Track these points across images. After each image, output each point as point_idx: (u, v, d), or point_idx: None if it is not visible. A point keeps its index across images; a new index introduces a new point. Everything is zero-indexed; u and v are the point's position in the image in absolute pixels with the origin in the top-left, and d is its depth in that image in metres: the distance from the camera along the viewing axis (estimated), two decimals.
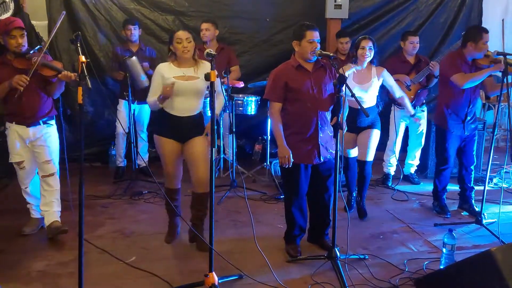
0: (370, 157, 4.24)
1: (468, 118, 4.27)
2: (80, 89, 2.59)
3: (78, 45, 2.69)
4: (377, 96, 4.28)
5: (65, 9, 5.51)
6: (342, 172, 5.06)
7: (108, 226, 4.13)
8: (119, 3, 5.69)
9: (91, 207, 4.47)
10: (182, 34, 3.45)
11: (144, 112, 5.35)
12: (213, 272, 3.00)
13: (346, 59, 5.44)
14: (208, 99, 4.72)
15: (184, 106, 3.50)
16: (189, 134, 3.56)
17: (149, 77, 5.00)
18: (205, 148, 3.53)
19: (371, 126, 4.19)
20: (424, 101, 5.28)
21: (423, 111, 5.30)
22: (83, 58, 2.60)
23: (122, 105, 5.23)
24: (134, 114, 5.21)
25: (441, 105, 4.40)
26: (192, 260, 3.52)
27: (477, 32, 4.15)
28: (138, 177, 5.23)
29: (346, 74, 4.03)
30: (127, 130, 5.16)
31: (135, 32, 5.16)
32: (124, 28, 5.17)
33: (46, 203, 3.84)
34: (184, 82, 3.44)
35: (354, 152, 4.34)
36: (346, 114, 3.96)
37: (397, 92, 4.35)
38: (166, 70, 3.50)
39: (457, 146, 4.38)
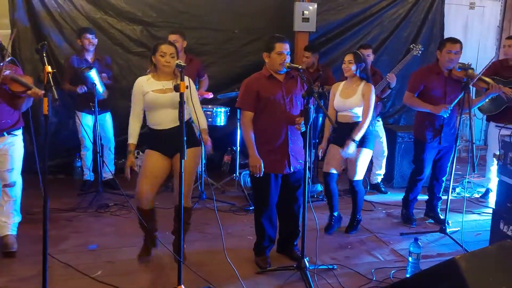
0: (358, 176, 4.16)
1: (445, 129, 4.28)
2: (45, 100, 2.53)
3: (44, 55, 2.63)
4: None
5: (29, 18, 5.43)
6: (311, 183, 5.12)
7: (72, 240, 4.03)
8: (85, 12, 5.60)
9: (55, 220, 4.35)
10: (166, 48, 3.39)
11: (107, 122, 5.25)
12: (182, 285, 2.97)
13: (314, 71, 5.52)
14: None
15: (168, 118, 3.43)
16: (177, 146, 3.46)
17: (107, 87, 5.00)
18: (193, 160, 3.49)
19: (361, 144, 4.05)
20: (379, 113, 5.38)
21: (378, 121, 5.42)
22: (49, 68, 2.55)
23: (81, 118, 5.10)
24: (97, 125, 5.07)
25: (418, 117, 4.48)
26: (160, 273, 3.47)
27: (442, 41, 4.35)
28: (104, 190, 5.12)
29: (333, 90, 4.16)
30: (92, 141, 5.07)
31: (93, 41, 5.02)
32: (81, 37, 4.99)
33: (5, 213, 3.73)
34: (164, 95, 3.40)
35: (328, 168, 4.20)
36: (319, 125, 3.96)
37: (364, 115, 4.06)
38: (145, 84, 3.44)
39: (433, 157, 4.43)
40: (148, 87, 3.43)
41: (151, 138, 3.53)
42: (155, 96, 3.40)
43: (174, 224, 3.64)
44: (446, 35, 6.67)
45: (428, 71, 4.36)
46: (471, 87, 4.16)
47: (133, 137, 3.49)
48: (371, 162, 5.62)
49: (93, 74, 4.73)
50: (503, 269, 2.84)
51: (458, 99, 4.10)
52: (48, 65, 2.57)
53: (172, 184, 3.76)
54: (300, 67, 3.32)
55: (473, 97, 4.82)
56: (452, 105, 4.14)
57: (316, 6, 6.00)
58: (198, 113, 3.44)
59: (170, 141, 3.43)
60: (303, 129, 3.32)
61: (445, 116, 4.18)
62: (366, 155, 4.14)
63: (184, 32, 5.30)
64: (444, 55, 4.19)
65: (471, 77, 4.08)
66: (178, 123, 3.40)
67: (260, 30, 6.06)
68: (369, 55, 5.14)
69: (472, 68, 4.19)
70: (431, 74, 4.30)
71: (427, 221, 4.66)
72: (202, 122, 3.50)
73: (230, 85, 5.92)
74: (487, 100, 4.66)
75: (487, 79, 4.04)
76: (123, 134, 5.26)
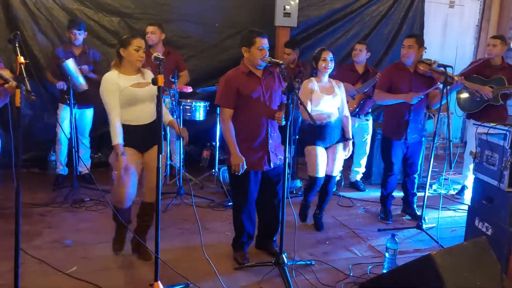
0: (335, 172, 4.20)
1: (411, 125, 4.36)
2: (18, 92, 2.45)
3: (17, 45, 2.55)
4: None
5: (2, 7, 5.28)
6: (290, 178, 5.12)
7: (46, 236, 3.94)
8: (61, 3, 5.46)
9: (28, 215, 4.25)
10: (140, 42, 3.30)
11: (85, 116, 5.16)
12: (159, 282, 2.93)
13: (295, 67, 5.51)
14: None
15: (146, 113, 3.37)
16: (149, 141, 3.40)
17: (91, 80, 4.89)
18: (165, 156, 3.42)
19: (340, 140, 4.16)
20: (369, 110, 5.41)
21: (367, 120, 5.43)
22: (22, 59, 2.47)
23: (62, 110, 5.01)
24: (75, 119, 4.99)
25: (385, 114, 4.58)
26: (137, 270, 3.42)
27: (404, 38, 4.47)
28: (80, 184, 5.02)
29: (310, 87, 4.03)
30: (68, 136, 4.96)
31: (80, 37, 4.94)
32: (69, 31, 4.94)
33: None
34: (142, 89, 3.33)
35: (323, 173, 4.18)
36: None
37: (346, 110, 4.24)
38: (119, 81, 3.29)
39: (401, 154, 4.50)
40: (124, 83, 3.29)
41: (128, 134, 3.36)
42: (134, 91, 3.31)
43: (138, 221, 3.58)
44: (426, 33, 6.77)
45: (394, 68, 4.47)
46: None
47: (119, 137, 3.26)
48: (350, 158, 5.66)
49: (71, 64, 4.63)
50: (478, 265, 2.89)
51: (428, 91, 4.25)
52: (21, 56, 2.49)
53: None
54: (281, 62, 3.30)
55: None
56: (423, 94, 4.22)
57: (297, 1, 5.96)
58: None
59: (145, 137, 3.38)
60: (283, 122, 3.30)
61: (413, 103, 4.23)
62: (343, 151, 4.22)
63: (162, 24, 5.23)
64: (401, 51, 4.35)
65: (435, 71, 4.22)
66: (154, 118, 3.37)
67: (241, 24, 6.00)
68: (362, 50, 5.20)
69: (436, 61, 4.27)
70: (397, 70, 4.40)
71: (404, 218, 4.71)
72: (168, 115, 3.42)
73: (210, 79, 5.86)
74: (461, 95, 4.78)
75: (450, 73, 4.08)
76: (101, 128, 5.21)
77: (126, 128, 3.33)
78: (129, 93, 3.29)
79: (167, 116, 3.55)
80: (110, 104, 3.28)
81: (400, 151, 4.48)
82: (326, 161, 4.13)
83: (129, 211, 3.58)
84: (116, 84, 3.26)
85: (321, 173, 4.11)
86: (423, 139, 4.58)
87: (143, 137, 3.37)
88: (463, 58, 7.13)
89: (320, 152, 4.09)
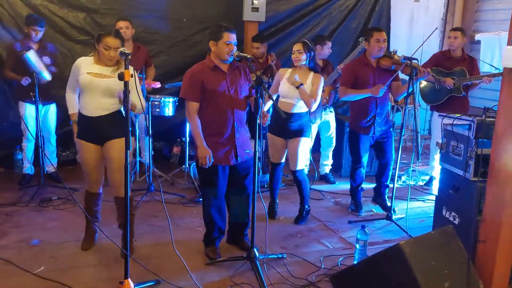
0: (300, 165, 4.20)
1: (378, 119, 4.42)
2: None
3: None
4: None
5: None
6: (261, 172, 5.13)
7: (13, 235, 3.85)
8: None
9: None
10: (111, 42, 3.25)
11: (50, 114, 5.04)
12: (129, 279, 2.90)
13: (264, 62, 5.51)
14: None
15: (93, 105, 3.34)
16: (106, 135, 3.40)
17: (51, 75, 4.78)
18: (122, 151, 3.38)
19: (300, 133, 4.13)
20: (331, 103, 5.46)
21: (331, 111, 5.50)
22: None
23: (24, 108, 4.88)
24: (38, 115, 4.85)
25: (351, 109, 4.61)
26: (106, 268, 3.37)
27: (368, 31, 4.43)
28: (47, 183, 4.91)
29: (281, 74, 4.15)
30: (34, 134, 4.84)
31: (40, 33, 4.80)
32: (29, 27, 4.76)
33: None
34: (98, 80, 3.30)
35: (276, 159, 4.29)
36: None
37: (313, 97, 4.20)
38: (83, 65, 3.36)
39: (369, 145, 4.56)
40: (84, 68, 3.33)
41: (80, 124, 3.45)
42: (89, 78, 3.30)
43: (118, 215, 3.57)
44: (392, 27, 6.87)
45: (357, 63, 4.47)
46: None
47: (73, 108, 3.52)
48: (318, 153, 5.72)
49: (32, 55, 4.51)
50: (445, 253, 2.96)
51: (389, 82, 4.24)
52: None
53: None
54: (249, 56, 3.31)
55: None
56: (386, 85, 4.23)
57: None
58: (142, 101, 3.31)
59: (97, 130, 3.38)
60: (267, 123, 3.39)
61: (380, 96, 4.25)
62: (305, 144, 4.19)
63: (131, 20, 5.15)
64: (373, 45, 4.30)
65: (398, 63, 4.23)
66: (106, 112, 3.37)
67: (209, 19, 5.96)
68: (329, 48, 5.27)
69: (394, 52, 4.33)
70: (360, 66, 4.40)
71: (373, 209, 4.75)
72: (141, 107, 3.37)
73: (178, 74, 5.77)
74: (424, 87, 4.85)
75: (415, 64, 4.12)
76: (66, 125, 5.11)
77: (81, 117, 3.42)
78: (83, 80, 3.32)
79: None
80: (69, 81, 3.48)
81: (367, 143, 4.53)
82: (282, 150, 4.24)
83: (97, 200, 3.63)
84: (78, 67, 3.37)
85: (273, 159, 4.29)
86: (391, 129, 4.64)
87: (95, 129, 3.38)
88: (429, 52, 7.24)
89: (274, 139, 4.20)
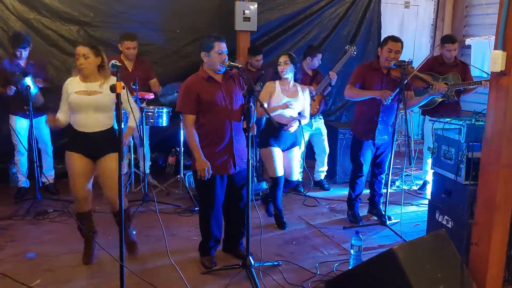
0: (295, 176, 4.34)
1: (380, 126, 4.33)
2: None
3: None
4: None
5: None
6: (256, 180, 5.15)
7: (9, 249, 3.85)
8: (17, 13, 5.34)
9: None
10: (79, 49, 3.33)
11: (43, 125, 5.00)
12: None
13: (257, 71, 5.56)
14: None
15: (88, 122, 3.38)
16: (101, 150, 3.42)
17: (44, 90, 4.81)
18: (116, 165, 3.39)
19: (294, 144, 4.30)
20: (321, 111, 5.49)
21: (320, 118, 5.54)
22: None
23: (15, 121, 4.88)
24: (34, 129, 4.84)
25: (355, 115, 4.56)
26: (102, 279, 3.37)
27: (385, 39, 4.33)
28: (43, 196, 4.91)
29: (270, 88, 4.20)
30: (27, 147, 4.85)
31: (25, 53, 4.77)
32: (14, 48, 4.73)
33: None
34: (84, 97, 3.34)
35: (282, 171, 4.29)
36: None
37: (307, 114, 4.37)
38: (70, 86, 3.40)
39: (371, 154, 4.46)
40: (71, 88, 3.37)
41: (72, 138, 3.44)
42: (78, 98, 3.34)
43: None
44: (383, 34, 6.92)
45: (368, 66, 4.43)
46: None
47: (60, 114, 3.48)
48: (313, 160, 5.75)
49: (29, 81, 4.54)
50: (438, 257, 2.98)
51: (396, 92, 4.14)
52: None
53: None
54: (240, 65, 3.34)
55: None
56: (393, 94, 4.14)
57: (256, 5, 6.03)
58: (136, 112, 3.30)
59: (93, 145, 3.40)
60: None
61: (387, 103, 4.18)
62: (298, 153, 4.35)
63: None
64: (384, 53, 4.22)
65: (408, 74, 4.10)
66: (101, 128, 3.41)
67: (201, 30, 5.99)
68: (319, 60, 5.36)
69: (409, 63, 4.24)
70: (370, 69, 4.35)
71: (371, 218, 4.74)
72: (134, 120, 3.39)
73: None
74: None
75: (426, 78, 4.07)
76: (62, 138, 5.11)
77: (73, 132, 3.42)
78: (72, 99, 3.36)
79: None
80: (60, 106, 3.49)
81: (369, 152, 4.44)
82: (283, 161, 4.26)
83: (89, 217, 3.61)
84: (65, 90, 3.41)
85: (280, 172, 4.23)
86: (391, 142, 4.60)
87: (90, 144, 3.40)
88: (420, 57, 7.31)
89: (276, 152, 4.21)
